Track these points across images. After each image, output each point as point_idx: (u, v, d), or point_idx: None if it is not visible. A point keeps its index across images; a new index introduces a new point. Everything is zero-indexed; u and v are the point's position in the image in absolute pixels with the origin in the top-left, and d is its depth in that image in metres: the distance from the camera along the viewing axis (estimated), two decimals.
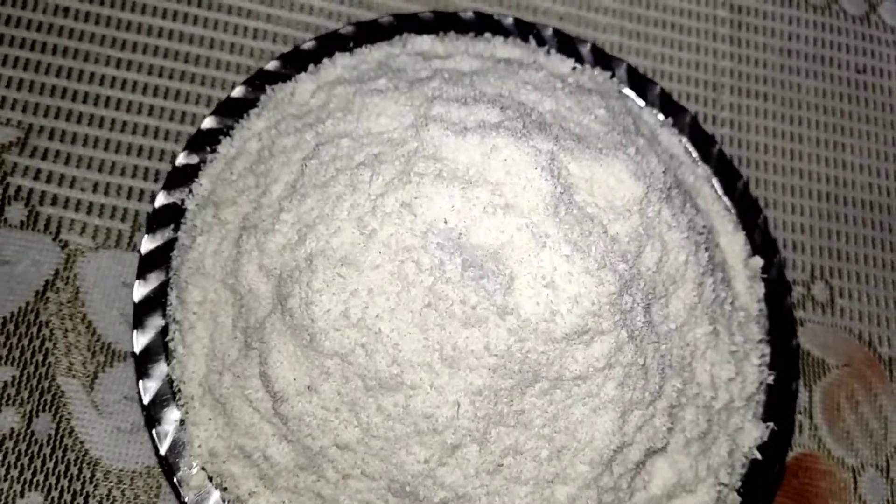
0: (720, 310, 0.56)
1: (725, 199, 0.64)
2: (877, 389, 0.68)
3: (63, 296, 0.60)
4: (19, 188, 0.62)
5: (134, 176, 0.64)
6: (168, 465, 0.52)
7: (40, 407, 0.57)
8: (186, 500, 0.51)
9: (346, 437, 0.48)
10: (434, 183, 0.47)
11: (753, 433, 0.57)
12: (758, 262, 0.62)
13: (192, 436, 0.52)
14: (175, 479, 0.51)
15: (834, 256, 0.72)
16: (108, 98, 0.65)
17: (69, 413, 0.58)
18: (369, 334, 0.46)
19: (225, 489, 0.51)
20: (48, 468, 0.56)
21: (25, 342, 0.59)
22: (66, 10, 0.67)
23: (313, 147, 0.53)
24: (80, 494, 0.56)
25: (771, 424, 0.58)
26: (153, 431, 0.52)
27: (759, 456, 0.57)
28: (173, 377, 0.53)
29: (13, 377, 0.58)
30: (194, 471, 0.51)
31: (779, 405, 0.59)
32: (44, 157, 0.63)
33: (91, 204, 0.63)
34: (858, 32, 0.80)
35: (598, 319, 0.46)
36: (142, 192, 0.63)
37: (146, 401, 0.52)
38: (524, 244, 0.46)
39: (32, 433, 0.57)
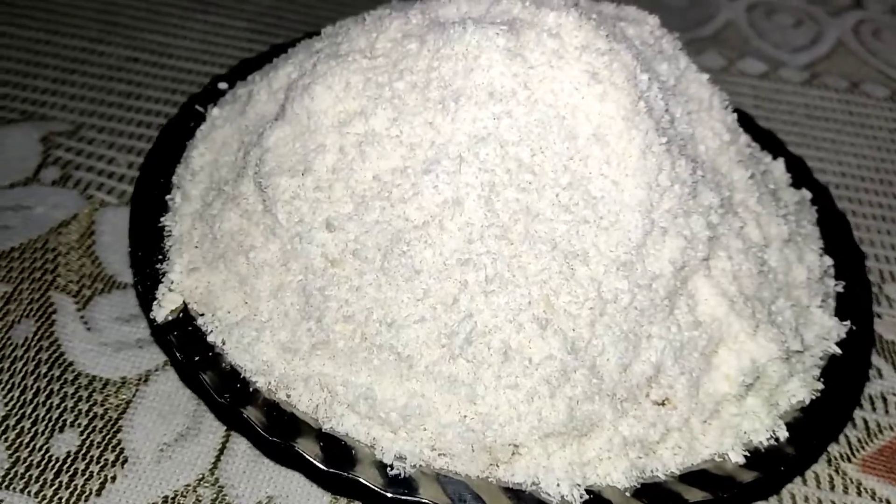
0: (761, 181, 0.51)
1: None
2: None
3: (75, 232, 0.59)
4: (58, 159, 0.64)
5: None
6: (143, 291, 0.46)
7: (25, 314, 0.53)
8: (156, 317, 0.44)
9: (338, 214, 0.43)
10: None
11: (826, 323, 0.48)
12: (806, 193, 0.57)
13: (173, 262, 0.47)
14: (149, 299, 0.45)
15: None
16: (148, 109, 0.70)
17: (53, 321, 0.53)
18: (368, 101, 0.44)
19: (202, 314, 0.45)
20: (17, 367, 0.51)
21: (27, 265, 0.56)
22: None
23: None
24: (44, 392, 0.49)
25: (848, 323, 0.49)
26: (133, 268, 0.47)
27: (837, 350, 0.48)
28: (166, 224, 0.50)
29: (5, 293, 0.54)
30: (170, 292, 0.45)
31: (853, 310, 0.50)
32: (90, 143, 0.66)
33: (124, 176, 0.64)
34: None
35: (608, 61, 0.43)
36: None
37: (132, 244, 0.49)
38: None
39: (9, 338, 0.52)
